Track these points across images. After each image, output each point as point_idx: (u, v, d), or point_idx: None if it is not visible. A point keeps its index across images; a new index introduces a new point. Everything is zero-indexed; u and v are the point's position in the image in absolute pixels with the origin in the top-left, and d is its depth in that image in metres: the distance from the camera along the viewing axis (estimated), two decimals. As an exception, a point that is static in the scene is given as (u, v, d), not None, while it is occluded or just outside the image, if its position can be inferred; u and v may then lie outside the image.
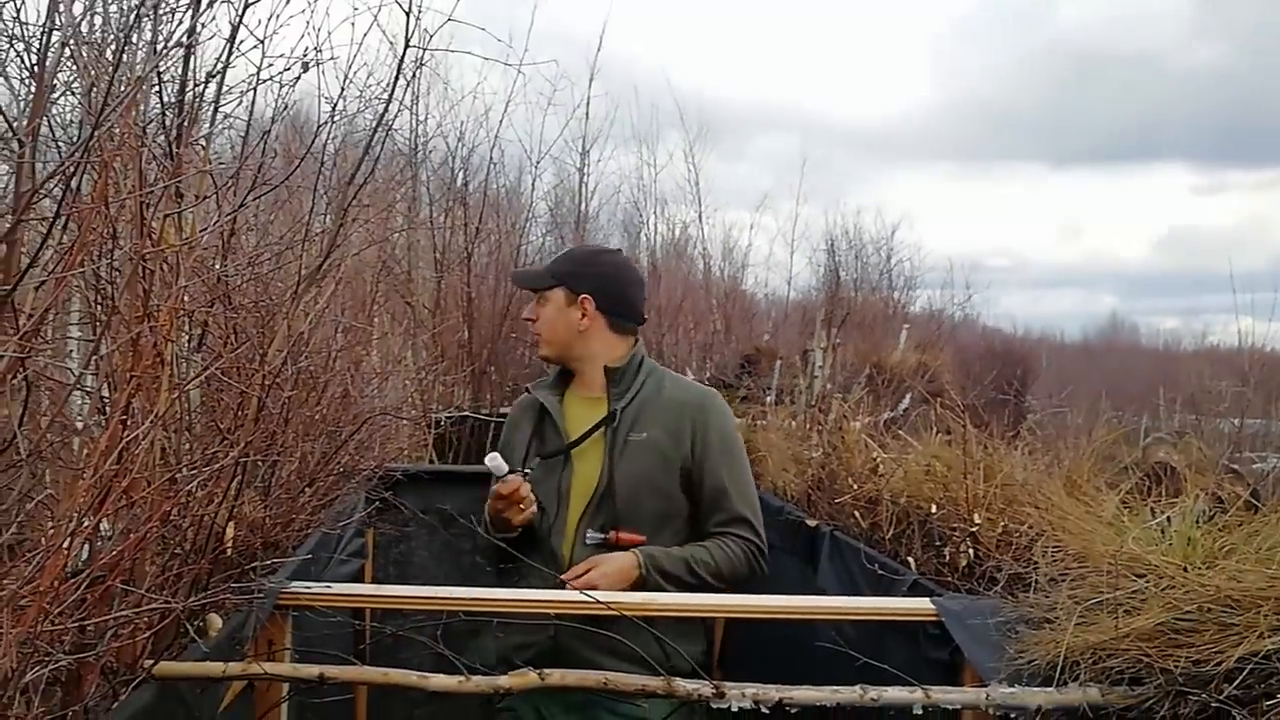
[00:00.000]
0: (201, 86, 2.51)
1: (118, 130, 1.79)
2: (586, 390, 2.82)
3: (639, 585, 2.56)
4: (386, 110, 3.11)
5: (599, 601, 2.25)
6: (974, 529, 2.74)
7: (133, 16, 2.32)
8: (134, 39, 2.31)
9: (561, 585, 2.55)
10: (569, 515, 2.69)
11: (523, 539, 2.71)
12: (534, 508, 2.67)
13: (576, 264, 2.84)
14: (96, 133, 1.61)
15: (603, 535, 2.63)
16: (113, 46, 2.17)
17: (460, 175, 9.70)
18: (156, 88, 2.40)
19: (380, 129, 3.17)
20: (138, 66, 2.27)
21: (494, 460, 2.62)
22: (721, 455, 2.74)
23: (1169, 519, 2.20)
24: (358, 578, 3.53)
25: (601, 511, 2.66)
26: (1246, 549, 1.99)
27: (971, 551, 2.73)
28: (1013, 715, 1.90)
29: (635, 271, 3.00)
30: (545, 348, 2.83)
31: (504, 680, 1.92)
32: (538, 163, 11.00)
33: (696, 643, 2.65)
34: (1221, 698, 1.62)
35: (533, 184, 11.20)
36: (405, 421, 5.47)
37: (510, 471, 2.64)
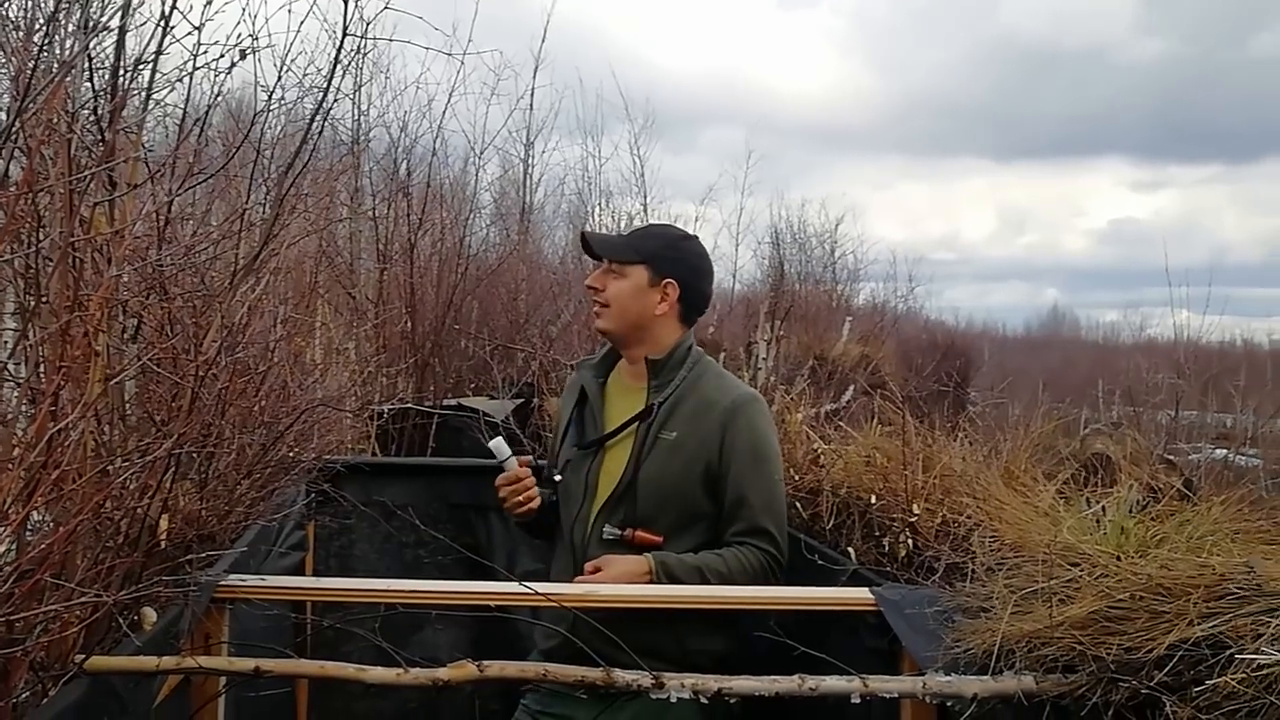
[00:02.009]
0: (133, 72, 2.47)
1: (46, 115, 1.75)
2: (631, 378, 2.79)
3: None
4: (325, 98, 3.08)
5: (537, 593, 2.24)
6: (913, 519, 2.77)
7: (62, -1, 2.28)
8: (62, 21, 2.26)
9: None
10: (591, 508, 2.67)
11: (553, 526, 2.76)
12: (537, 500, 2.69)
13: (666, 246, 2.77)
14: (20, 118, 1.58)
15: (619, 532, 2.61)
16: (41, 30, 2.13)
17: (403, 166, 9.64)
18: (87, 73, 2.36)
19: (319, 117, 3.13)
20: (67, 50, 2.23)
21: (497, 445, 2.59)
22: (748, 465, 2.66)
23: (1104, 509, 2.23)
24: (298, 571, 3.50)
25: (621, 508, 2.63)
26: (1178, 538, 2.03)
27: (910, 542, 2.75)
28: (949, 703, 1.92)
29: (712, 263, 2.95)
30: (608, 321, 2.74)
31: (442, 672, 1.91)
32: (481, 153, 10.97)
33: (719, 639, 2.61)
34: (1152, 684, 1.64)
35: (476, 175, 11.17)
36: (347, 413, 5.42)
37: (512, 455, 2.64)
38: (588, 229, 2.79)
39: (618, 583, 2.48)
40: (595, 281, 2.75)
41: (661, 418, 2.66)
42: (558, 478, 2.73)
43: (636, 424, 2.67)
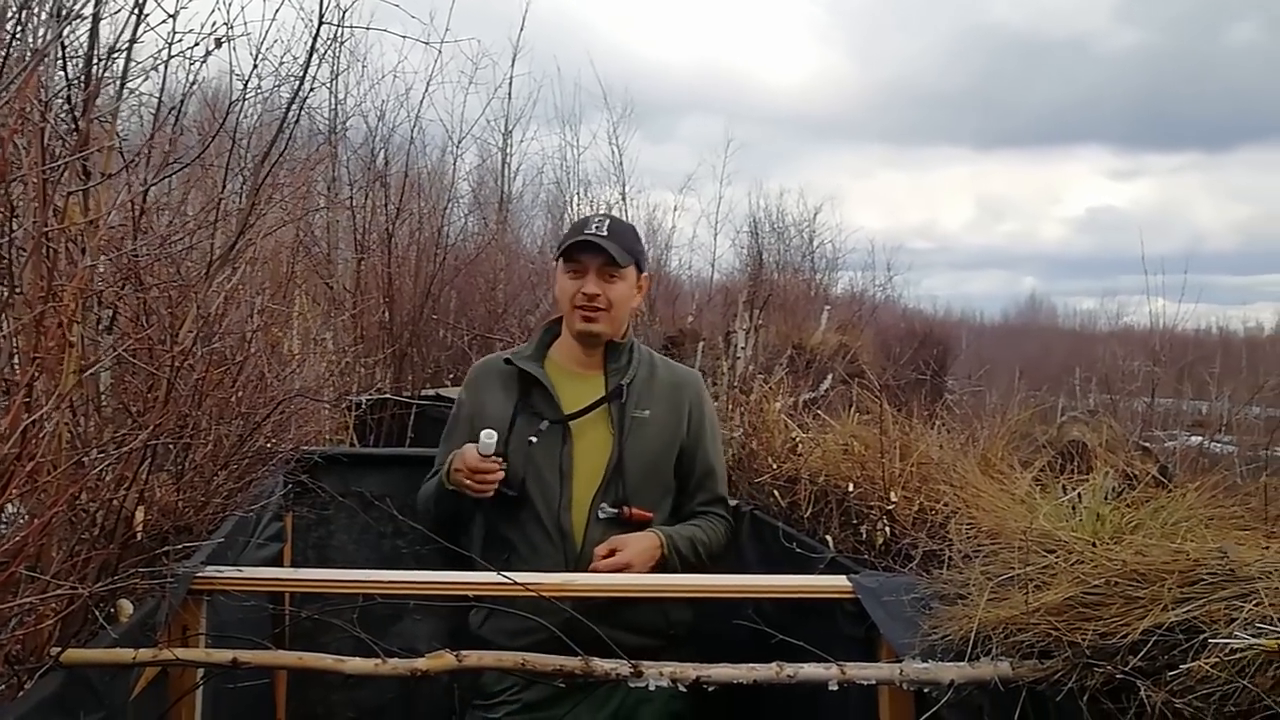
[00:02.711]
0: (108, 60, 2.45)
1: (18, 103, 1.74)
2: (576, 365, 2.80)
3: (660, 565, 2.63)
4: (301, 87, 3.06)
5: (516, 583, 2.24)
6: (890, 507, 2.78)
7: (35, -13, 2.26)
8: (35, 9, 2.24)
9: (574, 562, 2.61)
10: (575, 491, 2.68)
11: (514, 515, 2.70)
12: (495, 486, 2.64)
13: (637, 240, 2.81)
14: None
15: (616, 510, 2.65)
16: (13, 17, 2.11)
17: (381, 155, 9.62)
18: (60, 61, 2.34)
19: (295, 105, 3.12)
20: (40, 38, 2.22)
21: (489, 436, 2.58)
22: (711, 439, 2.88)
23: (1080, 496, 2.24)
24: (276, 562, 3.48)
25: (613, 488, 2.67)
26: (1153, 524, 2.04)
27: (888, 529, 2.76)
28: (926, 689, 1.93)
29: None
30: (608, 324, 2.74)
31: (421, 662, 1.91)
32: (459, 142, 10.96)
33: (690, 610, 2.75)
34: (1126, 669, 1.65)
35: (454, 164, 11.15)
36: (324, 404, 5.41)
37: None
38: (591, 230, 2.71)
39: (639, 560, 2.58)
40: (597, 288, 2.71)
41: (634, 398, 2.74)
42: (532, 440, 2.69)
43: (607, 405, 2.72)
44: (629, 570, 2.56)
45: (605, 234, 2.68)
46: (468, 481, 2.60)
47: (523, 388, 2.76)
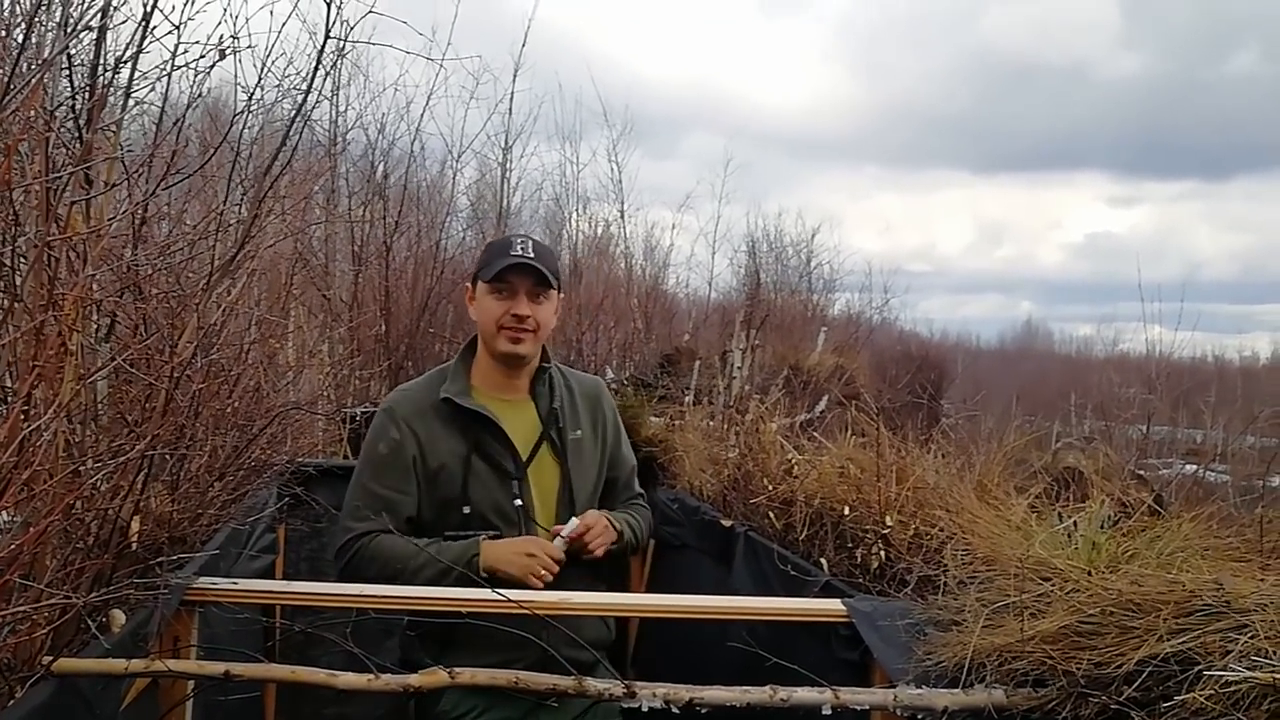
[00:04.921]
0: (113, 71, 2.45)
1: (24, 113, 1.74)
2: (503, 391, 2.76)
3: (616, 540, 2.73)
4: (305, 101, 3.06)
5: (511, 600, 2.24)
6: (886, 531, 2.78)
7: (43, -3, 2.27)
8: (43, 20, 2.25)
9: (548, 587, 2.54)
10: (537, 521, 2.68)
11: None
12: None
13: (555, 259, 2.79)
14: (0, 115, 1.57)
15: (570, 529, 2.63)
16: (20, 28, 2.11)
17: (380, 168, 9.62)
18: (66, 71, 2.34)
19: (299, 119, 3.12)
20: (46, 49, 2.22)
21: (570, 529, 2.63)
22: (623, 439, 2.96)
23: (1075, 523, 2.24)
24: (268, 574, 3.48)
25: (566, 514, 2.69)
26: (1148, 554, 2.04)
27: (883, 553, 2.76)
28: (920, 716, 1.93)
29: None
30: (533, 346, 2.72)
31: (413, 679, 1.90)
32: (459, 156, 10.95)
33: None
34: (1121, 699, 1.65)
35: (454, 178, 11.15)
36: (320, 416, 5.40)
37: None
38: (518, 251, 2.65)
39: (592, 524, 2.65)
40: (527, 309, 2.67)
41: (566, 419, 2.78)
42: (466, 510, 2.65)
43: (546, 433, 2.74)
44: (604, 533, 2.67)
45: (532, 255, 2.65)
46: (542, 572, 2.54)
47: (468, 426, 2.68)
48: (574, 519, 2.64)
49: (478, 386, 2.75)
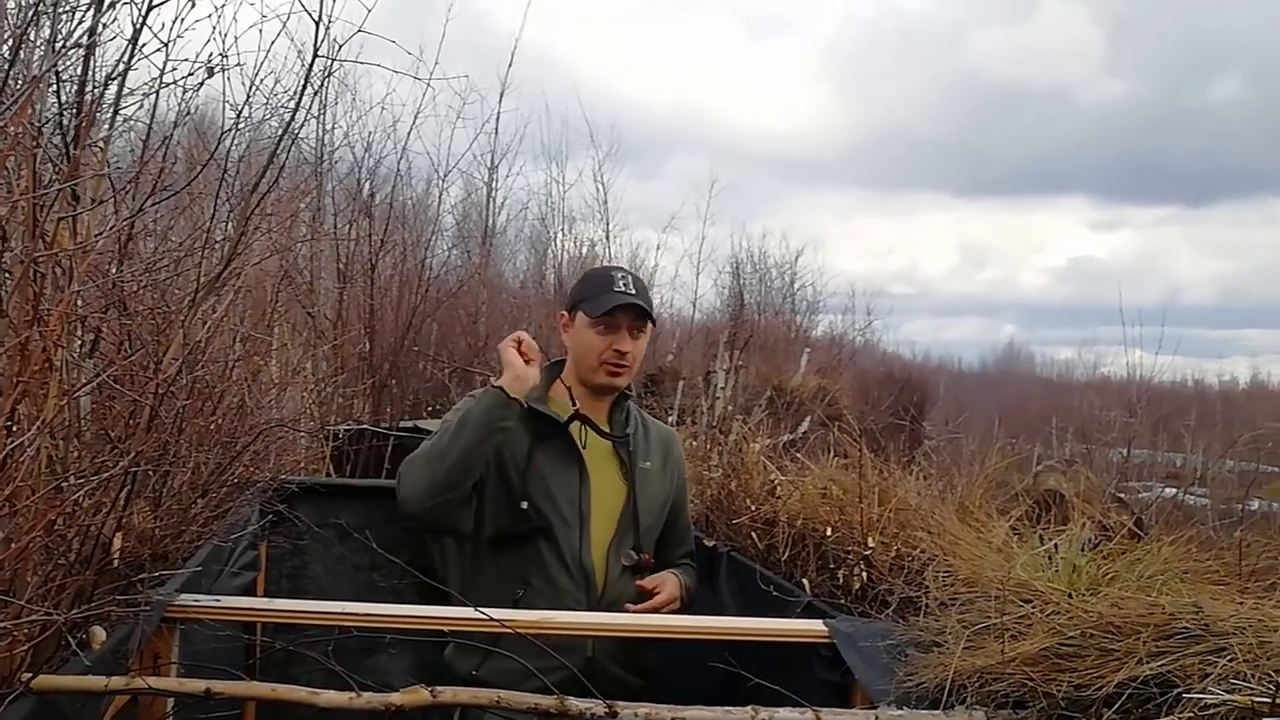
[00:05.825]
0: (101, 88, 2.45)
1: (12, 129, 1.74)
2: (584, 410, 2.78)
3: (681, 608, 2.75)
4: (293, 119, 3.07)
5: (490, 619, 2.24)
6: (868, 552, 2.78)
7: (31, 13, 2.27)
8: (31, 36, 2.25)
9: (595, 603, 2.63)
10: (593, 533, 2.70)
11: (532, 552, 2.66)
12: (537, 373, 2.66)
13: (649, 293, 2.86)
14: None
15: (636, 556, 2.72)
16: (8, 44, 2.12)
17: (367, 186, 9.64)
18: (54, 87, 2.34)
19: (286, 137, 3.12)
20: (34, 65, 2.22)
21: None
22: (687, 494, 3.02)
23: (1056, 546, 2.26)
24: (249, 591, 3.46)
25: (629, 535, 2.73)
26: (1129, 576, 2.06)
27: (865, 574, 2.77)
28: (901, 737, 1.93)
29: None
30: (628, 379, 2.79)
31: (396, 697, 1.90)
32: (445, 175, 10.99)
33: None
34: (1101, 721, 1.66)
35: (440, 197, 11.18)
36: (303, 434, 5.39)
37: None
38: (621, 288, 2.68)
39: (674, 598, 2.73)
40: (629, 346, 2.74)
41: (639, 448, 2.81)
42: (524, 505, 2.67)
43: (616, 450, 2.78)
44: (668, 608, 2.69)
45: (634, 291, 2.71)
46: (521, 348, 2.61)
47: (538, 427, 2.73)
48: (634, 554, 2.73)
49: (556, 399, 2.80)
